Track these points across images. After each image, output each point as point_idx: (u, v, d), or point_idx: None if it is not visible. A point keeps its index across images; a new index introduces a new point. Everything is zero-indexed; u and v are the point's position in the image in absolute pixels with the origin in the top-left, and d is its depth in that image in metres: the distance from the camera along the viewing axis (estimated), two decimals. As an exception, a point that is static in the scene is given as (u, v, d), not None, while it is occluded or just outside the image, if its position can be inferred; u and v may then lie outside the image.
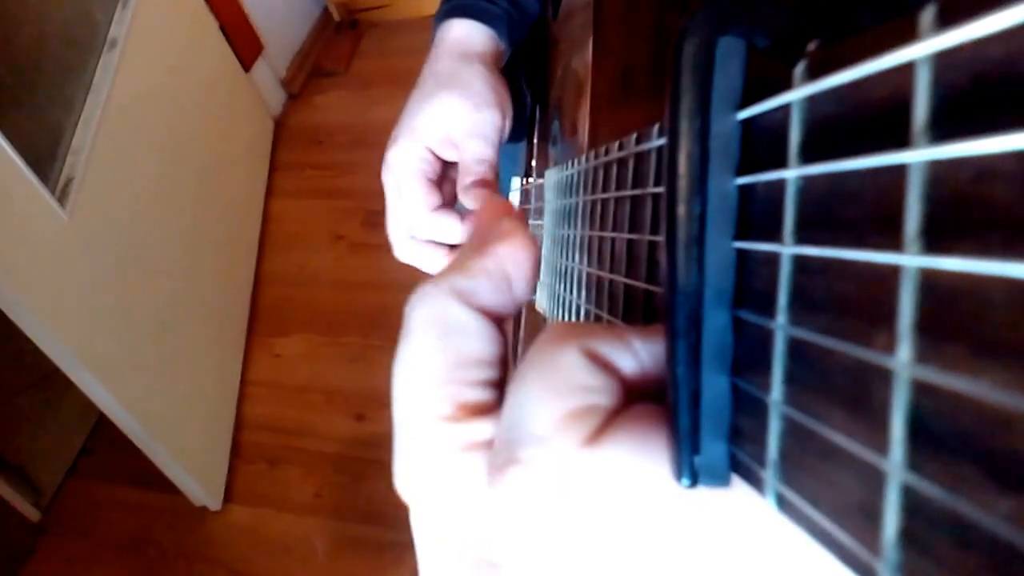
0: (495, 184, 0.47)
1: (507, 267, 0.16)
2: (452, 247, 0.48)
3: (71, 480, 1.54)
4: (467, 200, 0.46)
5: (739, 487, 0.13)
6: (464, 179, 0.46)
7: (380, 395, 1.61)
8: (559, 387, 0.14)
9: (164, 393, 1.35)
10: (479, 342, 0.16)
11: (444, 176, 0.49)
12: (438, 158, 0.48)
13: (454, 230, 0.47)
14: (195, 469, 1.39)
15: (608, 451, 0.14)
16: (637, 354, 0.14)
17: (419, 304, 0.16)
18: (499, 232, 0.17)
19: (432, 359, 0.16)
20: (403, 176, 0.47)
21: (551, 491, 0.14)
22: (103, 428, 1.49)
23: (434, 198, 0.47)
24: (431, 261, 0.49)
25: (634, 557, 0.14)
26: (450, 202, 0.50)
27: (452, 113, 0.46)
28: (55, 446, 1.53)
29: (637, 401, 0.15)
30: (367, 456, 1.45)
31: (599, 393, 0.14)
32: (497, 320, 0.16)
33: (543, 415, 0.14)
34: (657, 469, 0.14)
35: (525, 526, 0.14)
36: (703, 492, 0.14)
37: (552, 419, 0.14)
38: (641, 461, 0.14)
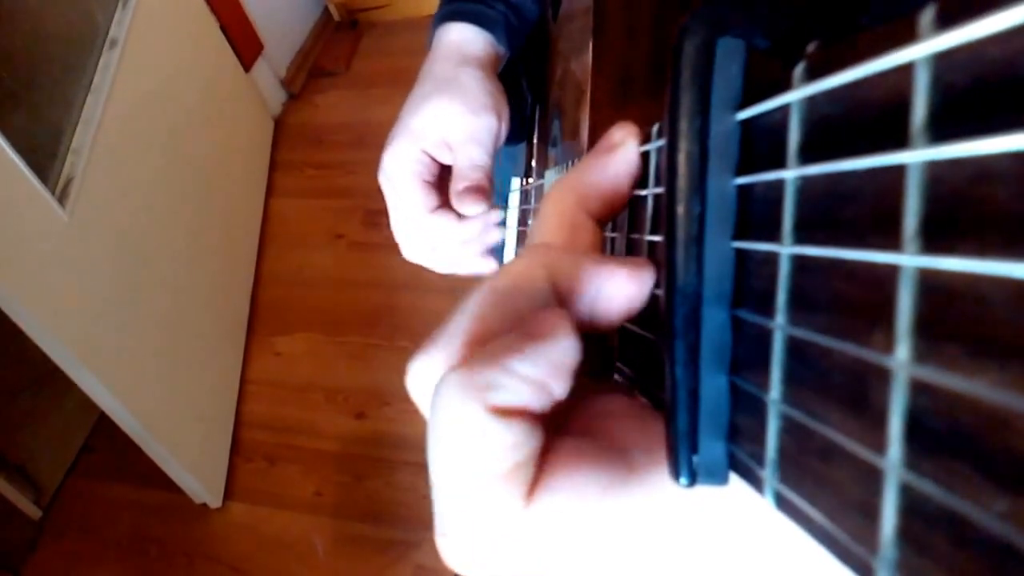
0: (490, 190, 0.46)
1: (549, 378, 0.14)
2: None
3: (72, 478, 1.54)
4: (460, 206, 0.45)
5: (737, 486, 0.13)
6: (458, 184, 0.45)
7: (380, 393, 1.62)
8: (479, 458, 0.13)
9: (164, 391, 1.35)
10: (500, 453, 0.14)
11: (442, 177, 0.49)
12: (435, 160, 0.48)
13: (452, 230, 0.47)
14: (195, 467, 1.39)
15: (549, 502, 0.14)
16: (539, 384, 0.14)
17: (441, 398, 0.14)
18: (545, 325, 0.14)
19: (453, 462, 0.14)
20: (399, 178, 0.47)
21: (501, 553, 0.14)
22: (104, 426, 1.49)
23: (431, 200, 0.47)
24: (436, 261, 0.49)
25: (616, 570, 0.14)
26: (449, 203, 0.50)
27: (448, 117, 0.46)
28: (56, 444, 1.54)
29: (555, 430, 0.15)
30: (367, 454, 1.45)
31: (520, 447, 0.14)
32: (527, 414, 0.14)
33: (472, 490, 0.14)
34: (599, 502, 0.14)
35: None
36: (702, 491, 0.14)
37: (482, 492, 0.14)
38: (583, 499, 0.14)
